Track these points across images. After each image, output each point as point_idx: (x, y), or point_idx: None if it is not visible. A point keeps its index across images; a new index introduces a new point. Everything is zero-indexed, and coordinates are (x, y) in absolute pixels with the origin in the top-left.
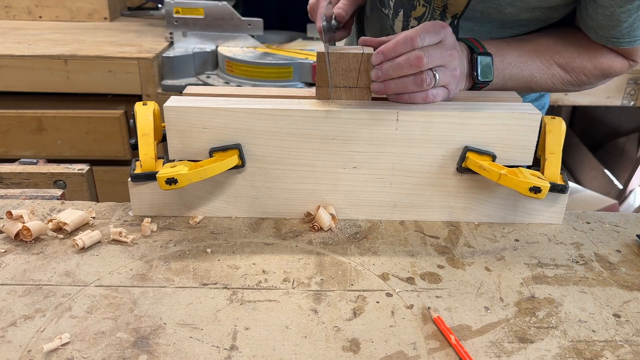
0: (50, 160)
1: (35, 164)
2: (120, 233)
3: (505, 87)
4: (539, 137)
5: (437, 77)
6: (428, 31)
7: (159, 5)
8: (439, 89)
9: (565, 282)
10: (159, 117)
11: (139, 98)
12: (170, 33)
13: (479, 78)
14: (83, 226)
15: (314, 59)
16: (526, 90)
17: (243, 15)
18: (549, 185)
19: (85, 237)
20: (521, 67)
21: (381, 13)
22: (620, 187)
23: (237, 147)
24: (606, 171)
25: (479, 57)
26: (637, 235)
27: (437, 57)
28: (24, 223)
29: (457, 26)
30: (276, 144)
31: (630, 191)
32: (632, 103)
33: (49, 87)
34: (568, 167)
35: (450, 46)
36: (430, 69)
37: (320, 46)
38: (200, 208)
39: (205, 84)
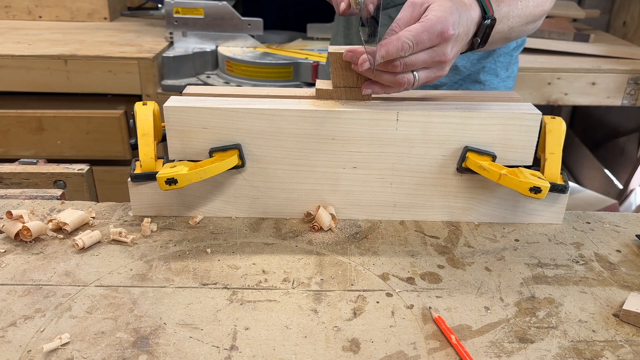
0: (50, 160)
1: (35, 164)
2: (120, 233)
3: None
4: (539, 137)
5: (417, 78)
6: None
7: (159, 5)
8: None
9: (565, 282)
10: (159, 117)
11: (139, 98)
12: (170, 33)
13: (480, 45)
14: (83, 226)
15: (314, 58)
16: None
17: (243, 15)
18: (549, 185)
19: (85, 237)
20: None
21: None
22: (620, 187)
23: (237, 147)
24: (606, 171)
25: (486, 26)
26: (637, 235)
27: (420, 61)
28: (24, 223)
29: None
30: (276, 144)
31: (631, 191)
32: (632, 103)
33: (49, 87)
34: (568, 167)
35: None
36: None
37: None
38: (200, 208)
39: (205, 84)
